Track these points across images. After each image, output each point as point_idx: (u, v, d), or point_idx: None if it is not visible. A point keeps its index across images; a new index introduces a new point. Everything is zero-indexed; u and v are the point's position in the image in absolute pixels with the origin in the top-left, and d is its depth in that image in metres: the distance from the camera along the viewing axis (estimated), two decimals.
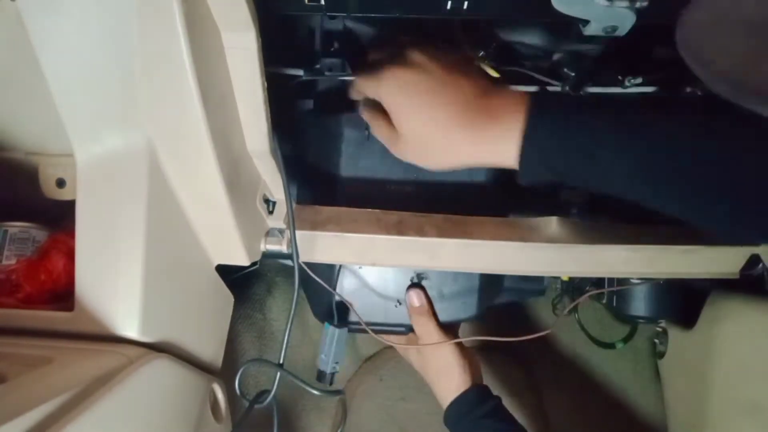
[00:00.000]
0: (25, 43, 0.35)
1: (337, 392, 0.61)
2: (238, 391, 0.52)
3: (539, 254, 0.52)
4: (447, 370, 0.60)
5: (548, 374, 0.87)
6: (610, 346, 0.85)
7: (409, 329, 0.64)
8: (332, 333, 0.61)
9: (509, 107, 0.37)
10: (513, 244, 0.51)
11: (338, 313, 0.62)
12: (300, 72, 0.51)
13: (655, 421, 0.82)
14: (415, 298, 0.61)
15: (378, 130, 0.43)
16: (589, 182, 0.37)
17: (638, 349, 0.87)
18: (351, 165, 0.57)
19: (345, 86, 0.50)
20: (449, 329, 0.62)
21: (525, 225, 0.53)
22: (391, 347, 0.88)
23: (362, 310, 0.61)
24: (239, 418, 0.52)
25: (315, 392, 0.54)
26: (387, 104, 0.40)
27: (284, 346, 0.50)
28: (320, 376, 0.63)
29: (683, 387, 0.74)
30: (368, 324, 0.61)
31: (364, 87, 0.43)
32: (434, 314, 0.61)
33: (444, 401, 0.59)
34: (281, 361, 0.51)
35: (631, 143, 0.34)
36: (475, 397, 0.58)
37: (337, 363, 0.63)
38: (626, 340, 0.85)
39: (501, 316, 0.91)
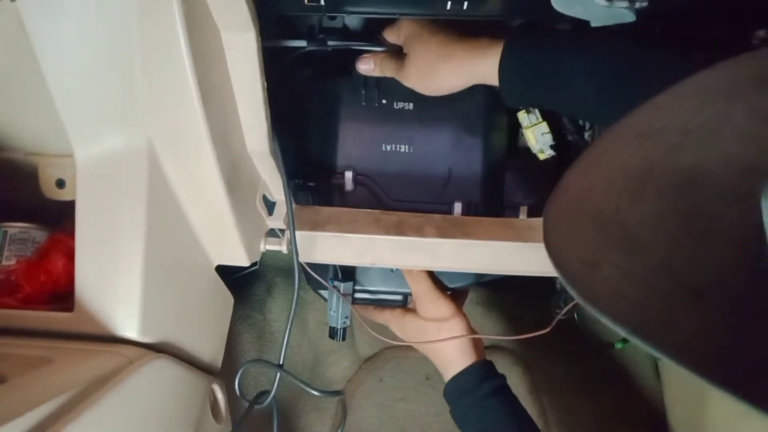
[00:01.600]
0: (25, 43, 0.35)
1: (337, 393, 0.60)
2: (238, 392, 0.52)
3: (539, 254, 0.52)
4: (447, 326, 0.57)
5: (548, 374, 0.87)
6: (610, 346, 0.85)
7: (405, 298, 0.64)
8: (338, 287, 0.63)
9: (495, 39, 0.44)
10: (512, 244, 0.51)
11: (341, 272, 0.64)
12: (303, 43, 0.51)
13: (655, 421, 0.82)
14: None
15: (389, 63, 0.50)
16: (562, 102, 0.43)
17: (638, 349, 0.86)
18: (350, 131, 0.57)
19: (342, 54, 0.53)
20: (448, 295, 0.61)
21: (524, 225, 0.53)
22: (391, 348, 0.89)
23: (360, 277, 0.64)
24: (239, 418, 0.52)
25: (314, 393, 0.54)
26: (403, 35, 0.49)
27: (284, 346, 0.50)
28: (332, 332, 0.65)
29: (683, 387, 0.74)
30: (367, 291, 0.64)
31: (387, 34, 0.52)
32: (430, 273, 0.60)
33: (445, 370, 0.57)
34: (281, 362, 0.51)
35: (597, 66, 0.39)
36: (480, 371, 0.55)
37: (346, 317, 0.64)
38: (626, 340, 0.85)
39: (501, 317, 0.91)
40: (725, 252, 0.18)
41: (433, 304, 0.59)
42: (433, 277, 0.60)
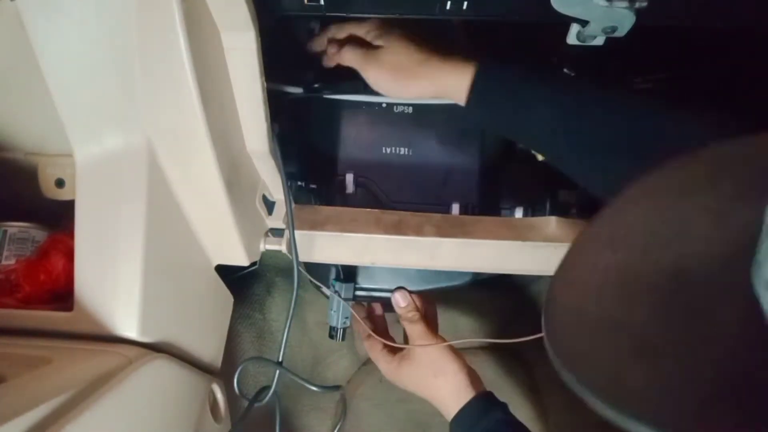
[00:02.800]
0: (25, 43, 0.35)
1: (336, 387, 0.61)
2: (236, 389, 0.52)
3: (538, 253, 0.52)
4: (442, 370, 0.57)
5: (548, 374, 0.87)
6: None
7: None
8: (339, 288, 0.63)
9: (466, 59, 0.44)
10: (512, 244, 0.51)
11: (343, 272, 0.64)
12: (299, 90, 0.52)
13: None
14: (401, 299, 0.60)
15: (354, 52, 0.48)
16: (522, 130, 0.44)
17: None
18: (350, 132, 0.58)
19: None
20: (436, 333, 0.61)
21: (524, 224, 0.53)
22: None
23: (363, 275, 0.65)
24: (239, 416, 0.52)
25: (314, 388, 0.54)
26: (373, 28, 0.48)
27: (283, 344, 0.50)
28: (332, 332, 0.65)
29: None
30: (366, 289, 0.64)
31: (348, 24, 0.50)
32: (423, 315, 0.60)
33: (446, 410, 0.56)
34: (280, 359, 0.51)
35: (560, 100, 0.41)
36: (481, 405, 0.55)
37: (347, 318, 0.64)
38: None
39: (499, 316, 0.91)
40: (730, 345, 0.18)
41: (423, 356, 0.58)
42: (426, 319, 0.60)
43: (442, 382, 0.57)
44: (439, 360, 0.57)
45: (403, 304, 0.60)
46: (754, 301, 0.18)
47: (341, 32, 0.50)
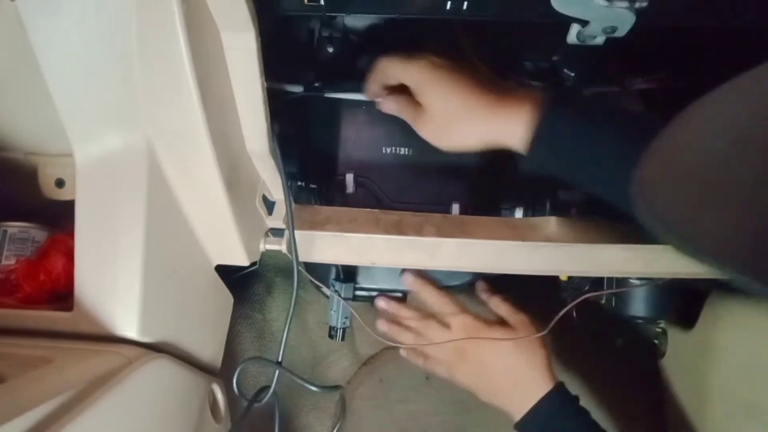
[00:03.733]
0: (24, 43, 0.34)
1: (336, 387, 0.61)
2: (236, 389, 0.52)
3: (538, 253, 0.52)
4: (532, 368, 0.55)
5: None
6: (610, 345, 0.85)
7: (404, 295, 0.64)
8: (339, 288, 0.63)
9: (525, 94, 0.40)
10: (512, 243, 0.51)
11: (343, 272, 0.64)
12: (300, 88, 0.52)
13: (656, 420, 0.82)
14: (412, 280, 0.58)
15: (403, 108, 0.46)
16: (586, 181, 0.40)
17: (638, 347, 0.86)
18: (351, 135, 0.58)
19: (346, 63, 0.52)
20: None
21: (524, 224, 0.53)
22: (391, 348, 0.88)
23: (363, 275, 0.65)
24: (239, 416, 0.52)
25: (313, 388, 0.54)
26: (417, 80, 0.43)
27: (283, 344, 0.50)
28: (332, 332, 0.65)
29: (683, 387, 0.74)
30: (366, 289, 0.64)
31: (393, 68, 0.45)
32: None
33: (518, 408, 0.54)
34: (280, 359, 0.51)
35: (633, 157, 0.36)
36: (558, 402, 0.53)
37: (347, 318, 0.64)
38: (626, 340, 0.85)
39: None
40: None
41: (508, 352, 0.56)
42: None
43: (530, 384, 0.56)
44: (530, 358, 0.57)
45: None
46: None
47: (389, 76, 0.46)
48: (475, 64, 0.47)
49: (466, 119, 0.42)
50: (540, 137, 0.39)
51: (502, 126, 0.41)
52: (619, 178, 0.36)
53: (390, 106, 0.47)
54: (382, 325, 0.62)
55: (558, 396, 0.55)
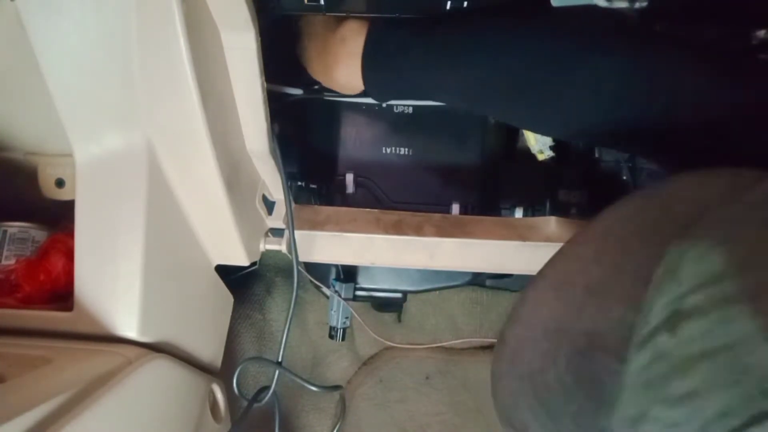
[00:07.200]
0: (25, 43, 0.35)
1: (336, 387, 0.61)
2: (236, 389, 0.52)
3: (538, 253, 0.52)
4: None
5: None
6: None
7: (405, 296, 0.64)
8: (339, 288, 0.63)
9: (354, 32, 0.43)
10: (512, 244, 0.51)
11: (343, 272, 0.65)
12: (299, 91, 0.52)
13: None
14: None
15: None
16: (425, 91, 0.44)
17: None
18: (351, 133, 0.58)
19: None
20: None
21: (523, 224, 0.53)
22: (391, 348, 0.89)
23: (363, 275, 0.65)
24: (239, 416, 0.52)
25: (313, 388, 0.54)
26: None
27: (282, 344, 0.50)
28: (332, 332, 0.66)
29: None
30: (366, 289, 0.64)
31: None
32: None
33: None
34: (280, 359, 0.51)
35: (454, 63, 0.40)
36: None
37: (347, 318, 0.65)
38: None
39: (499, 316, 0.91)
40: None
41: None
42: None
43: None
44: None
45: None
46: None
47: None
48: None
49: (322, 64, 0.46)
50: (367, 81, 0.43)
51: (339, 68, 0.44)
52: (449, 86, 0.41)
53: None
54: None
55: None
